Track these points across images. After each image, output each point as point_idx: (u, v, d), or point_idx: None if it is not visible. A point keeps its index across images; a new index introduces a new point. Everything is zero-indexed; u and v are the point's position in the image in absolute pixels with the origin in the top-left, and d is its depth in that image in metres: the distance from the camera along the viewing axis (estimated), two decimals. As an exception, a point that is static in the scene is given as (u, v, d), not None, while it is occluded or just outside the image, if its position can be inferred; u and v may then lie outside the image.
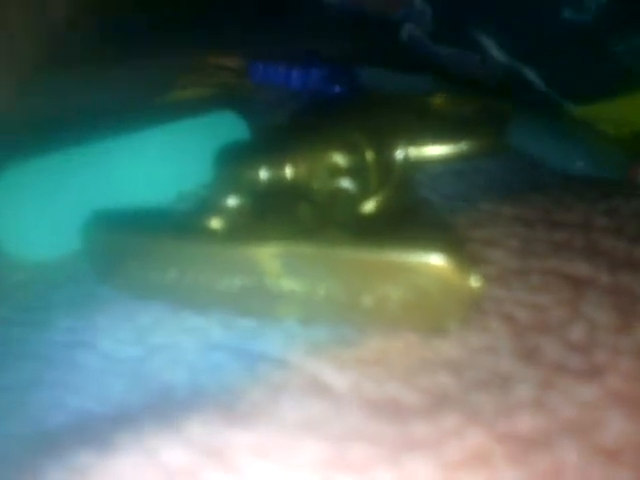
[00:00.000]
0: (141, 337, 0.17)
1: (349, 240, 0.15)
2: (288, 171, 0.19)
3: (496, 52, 0.27)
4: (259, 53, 0.35)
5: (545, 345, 0.15)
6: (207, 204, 0.18)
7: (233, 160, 0.20)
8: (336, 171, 0.18)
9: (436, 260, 0.14)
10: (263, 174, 0.19)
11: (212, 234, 0.17)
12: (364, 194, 0.18)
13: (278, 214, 0.17)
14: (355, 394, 0.14)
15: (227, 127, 0.23)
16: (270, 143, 0.20)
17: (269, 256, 0.16)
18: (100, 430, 0.14)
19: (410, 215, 0.19)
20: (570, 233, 0.19)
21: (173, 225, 0.18)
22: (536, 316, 0.16)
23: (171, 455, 0.13)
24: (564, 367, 0.14)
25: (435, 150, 0.20)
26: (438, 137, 0.20)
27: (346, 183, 0.18)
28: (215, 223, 0.17)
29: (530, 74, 0.27)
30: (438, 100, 0.23)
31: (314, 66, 0.33)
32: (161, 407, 0.14)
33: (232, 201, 0.18)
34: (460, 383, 0.14)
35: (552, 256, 0.18)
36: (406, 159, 0.19)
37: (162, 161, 0.22)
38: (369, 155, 0.18)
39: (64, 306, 0.18)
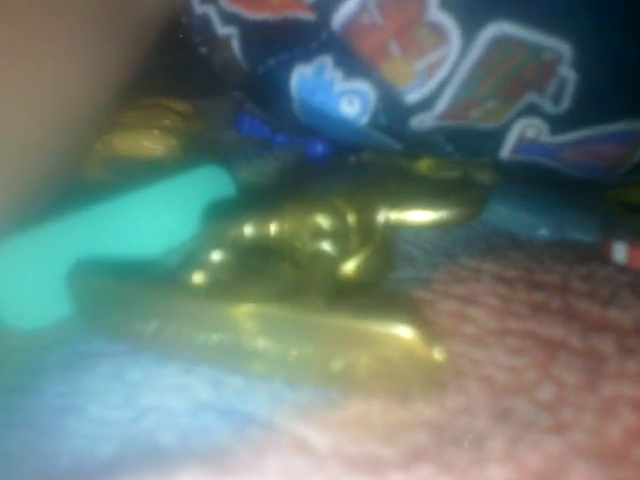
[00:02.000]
0: (130, 398, 0.18)
1: (322, 306, 0.17)
2: (272, 229, 0.20)
3: None
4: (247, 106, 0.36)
5: (517, 404, 0.16)
6: (191, 258, 0.19)
7: (219, 215, 0.21)
8: (318, 233, 0.20)
9: (402, 332, 0.15)
10: (248, 230, 0.20)
11: (193, 289, 0.18)
12: (344, 256, 0.19)
13: (259, 272, 0.19)
14: (336, 451, 0.15)
15: (213, 182, 0.24)
16: (256, 201, 0.21)
17: (245, 315, 0.17)
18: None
19: (383, 284, 0.21)
20: (548, 295, 0.20)
21: (156, 277, 0.19)
22: (511, 378, 0.17)
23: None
24: (533, 423, 0.16)
25: (416, 216, 0.21)
26: (419, 203, 0.21)
27: (327, 246, 0.19)
28: (197, 278, 0.18)
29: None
30: (423, 165, 0.25)
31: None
32: (152, 463, 0.15)
33: (216, 256, 0.19)
34: (436, 440, 0.15)
35: (530, 318, 0.19)
36: (387, 223, 0.21)
37: (151, 217, 0.23)
38: (351, 218, 0.20)
39: (54, 370, 0.19)
